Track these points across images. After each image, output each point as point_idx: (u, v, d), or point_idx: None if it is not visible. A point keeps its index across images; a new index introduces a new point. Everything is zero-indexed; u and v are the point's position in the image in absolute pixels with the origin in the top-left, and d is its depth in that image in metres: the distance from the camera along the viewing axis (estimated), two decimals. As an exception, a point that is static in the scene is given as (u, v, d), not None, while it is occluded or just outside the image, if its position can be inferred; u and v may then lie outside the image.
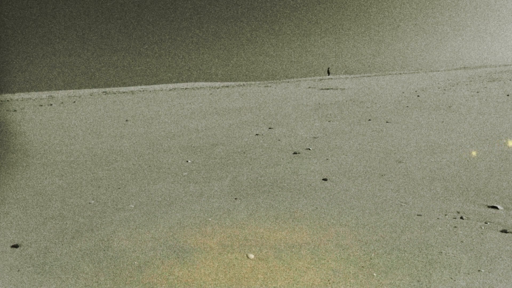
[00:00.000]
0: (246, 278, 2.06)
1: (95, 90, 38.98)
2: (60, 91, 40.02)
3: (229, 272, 2.12)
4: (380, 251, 2.28)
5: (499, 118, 7.24)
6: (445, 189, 3.33)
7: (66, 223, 2.99)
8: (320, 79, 40.02)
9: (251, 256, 2.29)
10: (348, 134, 6.39)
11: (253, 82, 43.97)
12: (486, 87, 16.08)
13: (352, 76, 49.20)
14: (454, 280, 1.94)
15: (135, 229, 2.79)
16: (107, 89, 38.98)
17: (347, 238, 2.47)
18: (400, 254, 2.23)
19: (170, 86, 40.59)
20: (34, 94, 33.39)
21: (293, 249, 2.35)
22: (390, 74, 54.47)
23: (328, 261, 2.19)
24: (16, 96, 31.84)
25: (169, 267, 2.22)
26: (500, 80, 21.08)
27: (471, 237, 2.41)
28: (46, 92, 38.44)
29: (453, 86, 18.66)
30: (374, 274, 2.03)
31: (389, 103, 11.47)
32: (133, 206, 3.30)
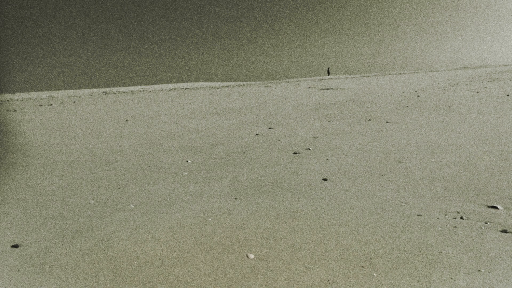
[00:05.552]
0: (246, 278, 2.06)
1: (95, 90, 38.97)
2: (60, 91, 40.01)
3: (229, 272, 2.12)
4: (380, 251, 2.28)
5: (499, 118, 7.24)
6: (445, 189, 3.33)
7: (66, 223, 2.99)
8: (320, 79, 40.01)
9: (251, 256, 2.29)
10: (348, 134, 6.39)
11: (253, 82, 43.96)
12: (486, 87, 16.08)
13: (352, 76, 49.19)
14: (454, 280, 1.94)
15: (135, 229, 2.79)
16: (107, 89, 38.97)
17: (347, 238, 2.47)
18: (400, 254, 2.23)
19: (170, 86, 40.59)
20: (34, 94, 33.39)
21: (293, 249, 2.35)
22: (390, 74, 54.46)
23: (328, 261, 2.19)
24: (16, 96, 31.84)
25: (169, 267, 2.22)
26: (500, 80, 21.08)
27: (471, 237, 2.41)
28: (46, 92, 38.44)
29: (453, 86, 18.66)
30: (374, 274, 2.03)
31: (389, 103, 11.47)
32: (133, 206, 3.30)
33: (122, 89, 38.36)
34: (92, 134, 8.14)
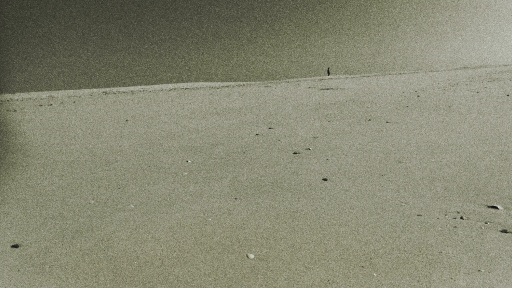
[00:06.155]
0: (246, 278, 2.06)
1: (95, 90, 38.97)
2: (60, 91, 40.00)
3: (229, 272, 2.12)
4: (380, 251, 2.28)
5: (499, 118, 7.24)
6: (445, 189, 3.33)
7: (66, 223, 2.99)
8: (320, 79, 40.02)
9: (251, 256, 2.29)
10: (348, 134, 6.39)
11: (253, 82, 43.97)
12: (486, 87, 16.08)
13: (352, 76, 49.19)
14: (454, 280, 1.94)
15: (135, 229, 2.79)
16: (107, 89, 38.96)
17: (347, 238, 2.47)
18: (400, 254, 2.23)
19: (170, 86, 40.58)
20: (34, 94, 33.38)
21: (293, 249, 2.35)
22: (390, 74, 54.46)
23: (328, 261, 2.19)
24: (16, 96, 31.83)
25: (169, 267, 2.22)
26: (500, 80, 21.08)
27: (471, 237, 2.41)
28: (46, 92, 38.43)
29: (453, 86, 18.66)
30: (374, 274, 2.03)
31: (389, 103, 11.47)
32: (133, 206, 3.30)
33: (122, 89, 38.35)
34: (92, 134, 8.14)
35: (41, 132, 8.77)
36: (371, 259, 2.19)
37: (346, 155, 4.83)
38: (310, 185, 3.65)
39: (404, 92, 16.22)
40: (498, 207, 2.85)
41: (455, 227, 2.56)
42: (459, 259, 2.14)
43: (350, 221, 2.75)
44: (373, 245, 2.35)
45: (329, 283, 1.97)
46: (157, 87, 39.65)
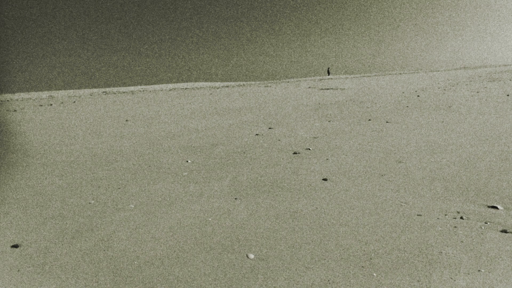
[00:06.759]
0: (246, 278, 2.06)
1: (95, 90, 38.98)
2: (60, 91, 40.02)
3: (229, 272, 2.12)
4: (380, 251, 2.28)
5: (499, 118, 7.23)
6: (445, 189, 3.33)
7: (66, 223, 2.99)
8: (320, 79, 40.02)
9: (251, 256, 2.29)
10: (348, 134, 6.39)
11: (253, 82, 43.97)
12: (486, 87, 16.08)
13: (352, 76, 49.20)
14: (454, 280, 1.94)
15: (135, 229, 2.79)
16: (107, 89, 38.97)
17: (347, 238, 2.47)
18: (400, 254, 2.23)
19: (170, 86, 40.59)
20: (34, 94, 33.38)
21: (293, 249, 2.35)
22: (390, 74, 54.46)
23: (328, 261, 2.19)
24: (16, 96, 31.83)
25: (169, 267, 2.22)
26: (500, 80, 21.08)
27: (471, 237, 2.41)
28: (46, 92, 38.44)
29: (453, 86, 18.66)
30: (374, 274, 2.03)
31: (389, 103, 11.47)
32: (133, 206, 3.30)
33: (122, 89, 38.35)
34: (92, 134, 8.14)
35: (41, 132, 8.77)
36: (371, 259, 2.19)
37: (346, 155, 4.83)
38: (310, 185, 3.65)
39: (404, 92, 16.22)
40: (498, 207, 2.85)
41: (455, 227, 2.56)
42: (459, 259, 2.14)
43: (350, 221, 2.75)
44: (373, 245, 2.35)
45: (329, 283, 1.97)
46: (157, 87, 39.65)
